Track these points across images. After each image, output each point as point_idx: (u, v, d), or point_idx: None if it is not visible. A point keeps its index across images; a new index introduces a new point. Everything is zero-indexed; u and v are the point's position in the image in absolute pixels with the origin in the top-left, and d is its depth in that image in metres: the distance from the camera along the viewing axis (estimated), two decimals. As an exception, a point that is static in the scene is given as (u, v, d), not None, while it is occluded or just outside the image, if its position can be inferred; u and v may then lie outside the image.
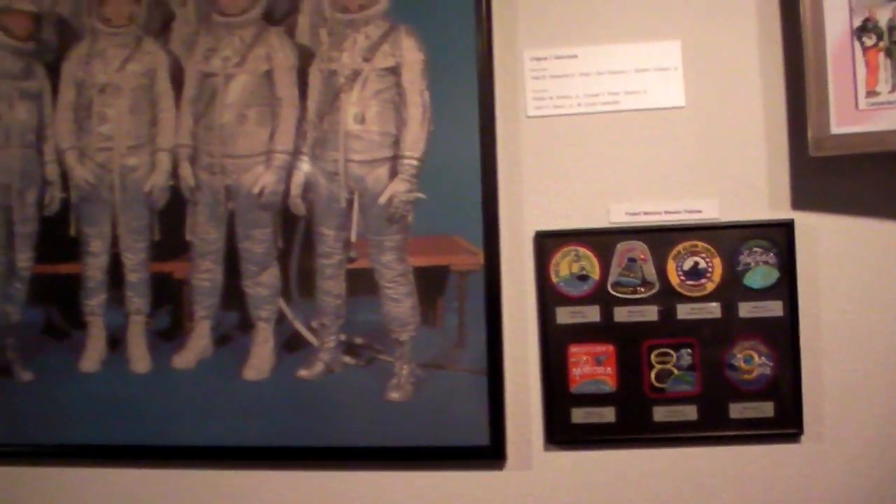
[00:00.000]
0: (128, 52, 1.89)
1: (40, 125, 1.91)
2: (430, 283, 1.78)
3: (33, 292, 1.91)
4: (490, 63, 1.77)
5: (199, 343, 1.85)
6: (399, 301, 1.78)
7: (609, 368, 1.73)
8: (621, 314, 1.74)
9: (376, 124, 1.79)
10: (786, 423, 1.69)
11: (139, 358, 1.86)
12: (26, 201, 1.90)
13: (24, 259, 1.91)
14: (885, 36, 1.61)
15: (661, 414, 1.72)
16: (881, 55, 1.61)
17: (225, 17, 1.86)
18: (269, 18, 1.85)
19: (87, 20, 1.91)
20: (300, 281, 1.82)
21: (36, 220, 1.91)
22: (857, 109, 1.62)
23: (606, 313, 1.74)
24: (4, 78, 1.92)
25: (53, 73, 1.91)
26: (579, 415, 1.74)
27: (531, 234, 1.77)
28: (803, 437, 1.70)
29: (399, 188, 1.77)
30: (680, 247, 1.72)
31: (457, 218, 1.76)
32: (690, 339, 1.72)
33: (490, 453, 1.74)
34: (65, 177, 1.90)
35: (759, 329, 1.70)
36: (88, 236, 1.89)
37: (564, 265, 1.75)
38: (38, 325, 1.91)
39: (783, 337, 1.70)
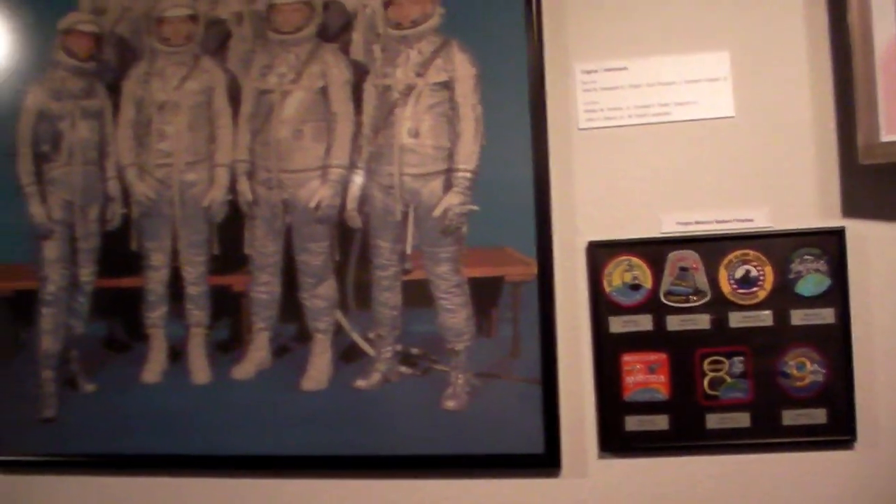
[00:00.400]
0: (186, 70, 1.94)
1: (101, 143, 1.97)
2: (485, 294, 1.81)
3: (96, 306, 1.96)
4: (541, 76, 1.80)
5: (257, 354, 1.89)
6: (454, 311, 1.82)
7: (662, 377, 1.76)
8: (674, 323, 1.76)
9: (430, 138, 1.83)
10: (839, 430, 1.71)
11: (199, 369, 1.91)
12: (88, 217, 1.96)
13: (87, 273, 1.96)
14: (934, 43, 1.63)
15: (714, 421, 1.74)
16: (930, 62, 1.63)
17: (280, 35, 1.90)
18: (324, 35, 1.90)
19: (146, 40, 1.97)
20: (357, 293, 1.86)
21: (98, 236, 1.96)
22: (906, 118, 1.63)
23: (659, 322, 1.77)
24: (67, 97, 1.98)
25: (114, 91, 1.97)
26: (633, 422, 1.76)
27: (584, 245, 1.80)
28: (856, 444, 1.71)
29: (453, 201, 1.81)
30: (731, 255, 1.75)
31: (510, 229, 1.79)
32: (742, 347, 1.74)
33: (545, 461, 1.77)
34: (126, 193, 1.96)
35: (811, 336, 1.72)
36: (149, 250, 1.94)
37: (617, 275, 1.77)
38: (101, 337, 1.96)
39: (835, 344, 1.71)
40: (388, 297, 1.85)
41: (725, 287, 1.75)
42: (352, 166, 1.86)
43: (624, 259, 1.78)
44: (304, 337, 1.88)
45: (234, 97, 1.92)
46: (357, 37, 1.88)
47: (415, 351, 1.84)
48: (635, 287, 1.77)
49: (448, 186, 1.82)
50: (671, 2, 1.81)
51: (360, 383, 1.85)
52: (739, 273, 1.74)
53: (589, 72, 1.83)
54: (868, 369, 1.72)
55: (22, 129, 2.00)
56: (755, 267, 1.74)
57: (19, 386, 1.98)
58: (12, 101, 2.01)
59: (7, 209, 2.00)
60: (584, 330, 1.80)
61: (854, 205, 1.74)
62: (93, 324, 1.97)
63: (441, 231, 1.82)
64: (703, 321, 1.75)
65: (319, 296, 1.87)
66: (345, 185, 1.87)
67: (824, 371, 1.71)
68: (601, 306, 1.78)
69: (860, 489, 1.72)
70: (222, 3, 1.94)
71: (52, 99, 1.99)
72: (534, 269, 1.78)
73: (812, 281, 1.73)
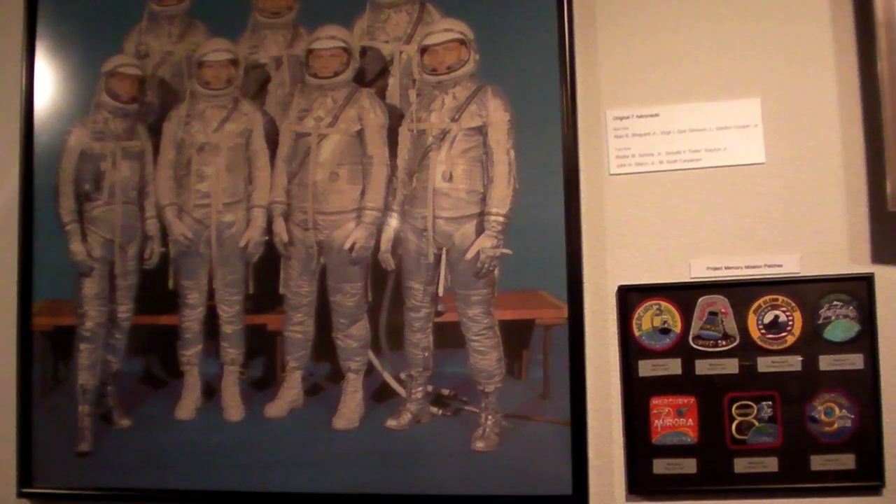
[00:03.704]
0: (225, 113, 2.09)
1: (142, 183, 2.11)
2: (516, 336, 1.92)
3: (133, 342, 2.10)
4: (574, 122, 1.91)
5: (290, 393, 2.02)
6: (485, 353, 1.93)
7: (690, 420, 1.85)
8: (702, 367, 1.86)
9: (464, 182, 1.95)
10: (867, 476, 1.79)
11: (233, 407, 2.04)
12: (127, 255, 2.10)
13: (125, 310, 2.10)
14: (962, 91, 1.72)
15: (742, 465, 1.83)
16: (958, 110, 1.72)
17: (318, 80, 2.04)
18: (361, 80, 2.03)
19: (187, 83, 2.12)
20: (389, 333, 1.98)
21: (136, 274, 2.11)
22: (935, 165, 1.72)
23: (688, 366, 1.86)
24: (109, 138, 2.13)
25: (155, 133, 2.12)
26: (661, 465, 1.86)
27: (614, 289, 1.91)
28: (885, 490, 1.79)
29: (486, 244, 1.92)
30: (760, 301, 1.84)
31: (542, 273, 1.90)
32: (771, 392, 1.83)
33: (573, 503, 1.86)
34: (164, 232, 2.10)
35: (840, 382, 1.81)
36: (186, 289, 2.08)
37: (647, 319, 1.88)
38: (138, 373, 2.09)
39: (864, 389, 1.80)
40: (419, 339, 1.96)
41: (754, 332, 1.85)
42: (386, 209, 1.99)
43: (654, 303, 1.88)
44: (337, 376, 2.00)
45: (272, 140, 2.06)
46: (393, 82, 2.01)
47: (446, 392, 1.95)
48: (665, 331, 1.88)
49: (481, 230, 1.93)
50: (702, 49, 1.92)
51: (391, 423, 1.96)
52: (768, 318, 1.84)
53: (620, 118, 1.94)
54: (897, 415, 1.79)
55: (65, 168, 2.15)
56: (784, 312, 1.84)
57: (57, 420, 2.12)
58: (56, 140, 2.16)
59: (48, 247, 2.14)
60: (614, 373, 1.90)
61: (883, 251, 1.83)
62: (129, 360, 2.10)
63: (473, 274, 1.93)
64: (731, 366, 1.85)
65: (352, 336, 1.99)
66: (379, 227, 1.99)
67: (853, 416, 1.80)
68: (631, 350, 1.88)
69: (888, 535, 1.79)
70: (262, 48, 2.09)
71: (94, 139, 2.14)
72: (564, 313, 1.89)
73: (841, 327, 1.82)
